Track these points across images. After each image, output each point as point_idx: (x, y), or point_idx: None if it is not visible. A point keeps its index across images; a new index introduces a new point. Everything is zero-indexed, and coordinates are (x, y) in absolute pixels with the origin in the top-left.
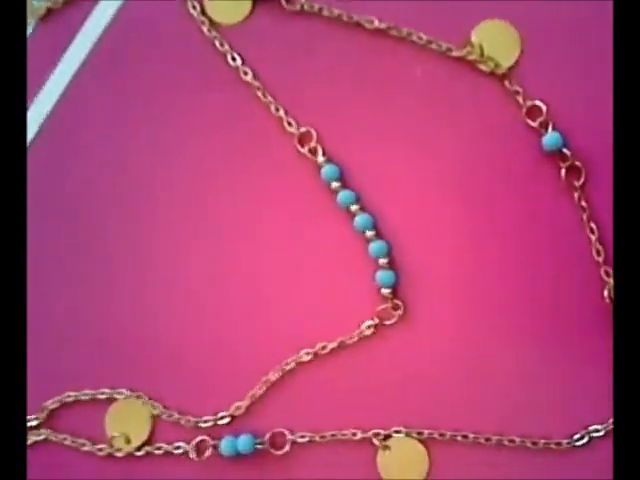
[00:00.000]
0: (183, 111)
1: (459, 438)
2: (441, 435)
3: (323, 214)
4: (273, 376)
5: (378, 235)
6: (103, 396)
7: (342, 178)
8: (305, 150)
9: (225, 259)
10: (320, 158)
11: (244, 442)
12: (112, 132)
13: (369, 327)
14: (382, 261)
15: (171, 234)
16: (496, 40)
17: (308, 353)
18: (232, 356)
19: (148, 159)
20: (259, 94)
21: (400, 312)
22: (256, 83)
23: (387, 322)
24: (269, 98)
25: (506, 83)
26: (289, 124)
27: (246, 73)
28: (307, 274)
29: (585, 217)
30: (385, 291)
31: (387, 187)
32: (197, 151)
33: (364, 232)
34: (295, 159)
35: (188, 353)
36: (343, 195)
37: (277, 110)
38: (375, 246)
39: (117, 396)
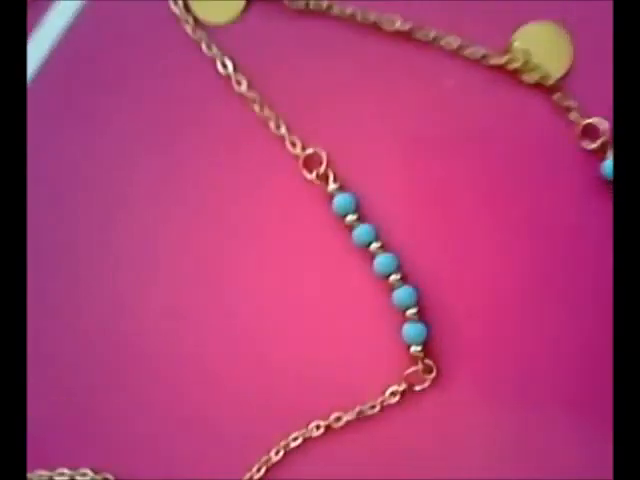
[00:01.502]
0: (162, 132)
1: None
2: None
3: (336, 254)
4: (275, 456)
5: (404, 280)
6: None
7: (358, 210)
8: (313, 176)
9: (222, 312)
10: (331, 186)
11: None
12: (71, 153)
13: (394, 394)
14: (410, 312)
15: (156, 291)
16: (543, 46)
17: (319, 427)
18: (223, 430)
19: (117, 195)
20: (255, 108)
21: (433, 375)
22: (251, 94)
23: (417, 387)
24: (267, 112)
25: (555, 97)
26: (292, 144)
27: (239, 82)
28: (317, 328)
29: None
30: (415, 349)
31: (413, 221)
32: (180, 180)
33: (387, 276)
34: (300, 187)
35: (169, 429)
36: (360, 231)
37: (278, 127)
38: (401, 293)
39: (79, 478)
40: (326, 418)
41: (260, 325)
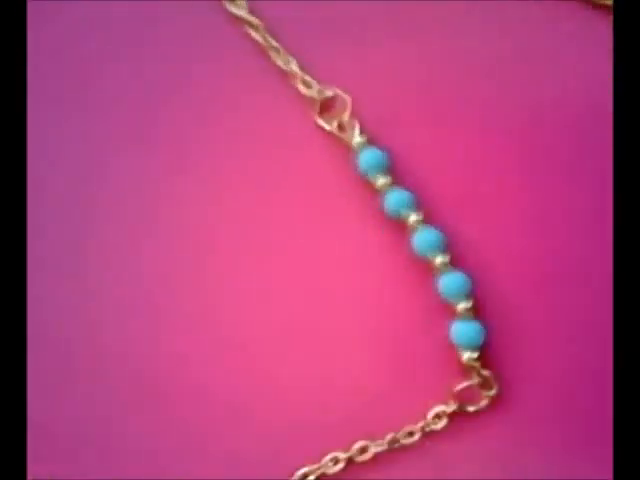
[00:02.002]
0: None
1: None
2: None
3: (361, 228)
4: None
5: (454, 263)
6: None
7: (391, 171)
8: (333, 127)
9: (218, 310)
10: (357, 138)
11: None
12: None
13: (439, 416)
14: (462, 306)
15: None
16: None
17: (337, 460)
18: (219, 461)
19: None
20: (256, 36)
21: (493, 392)
22: (251, 18)
23: (470, 408)
24: (272, 42)
25: None
26: (305, 85)
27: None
28: (334, 328)
29: None
30: (469, 357)
31: (461, 187)
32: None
33: (432, 258)
34: (315, 141)
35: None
36: (395, 198)
37: (286, 63)
38: (451, 281)
39: None
40: (347, 449)
41: (261, 323)
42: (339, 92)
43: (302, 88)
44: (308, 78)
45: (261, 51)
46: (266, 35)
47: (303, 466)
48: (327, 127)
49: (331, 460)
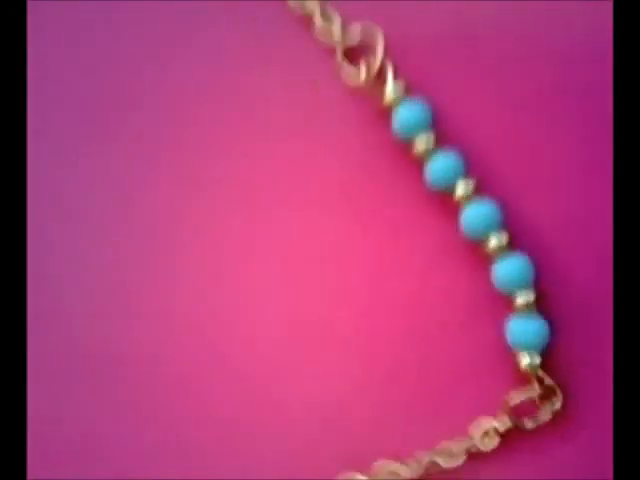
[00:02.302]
0: None
1: None
2: None
3: (398, 201)
4: None
5: (512, 245)
6: None
7: (435, 130)
8: (361, 74)
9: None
10: (391, 90)
11: None
12: None
13: (489, 434)
14: (523, 299)
15: None
16: None
17: None
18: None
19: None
20: None
21: (557, 405)
22: None
23: (529, 425)
24: None
25: None
26: (326, 19)
27: None
28: (357, 325)
29: None
30: (529, 362)
31: (518, 155)
32: None
33: (485, 238)
34: (338, 95)
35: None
36: (441, 164)
37: None
38: (509, 267)
39: None
40: (370, 473)
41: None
42: (369, 28)
43: (319, 22)
44: (330, 12)
45: None
46: None
47: None
48: (354, 74)
49: None
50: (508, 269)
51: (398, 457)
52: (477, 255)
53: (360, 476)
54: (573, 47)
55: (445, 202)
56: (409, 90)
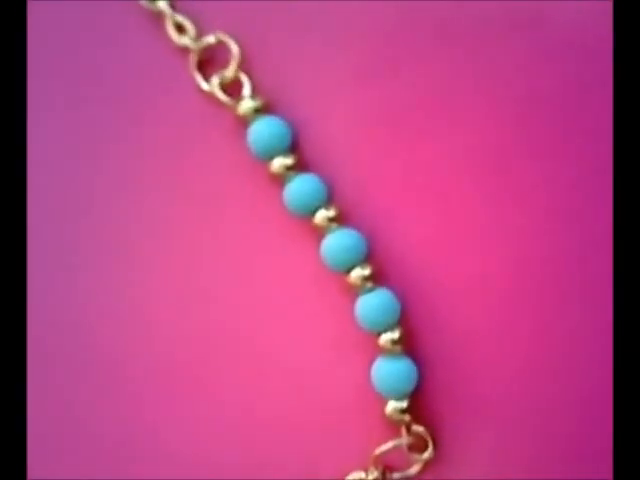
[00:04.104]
0: None
1: None
2: None
3: (254, 227)
4: None
5: (376, 279)
6: None
7: (294, 149)
8: (213, 84)
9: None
10: (247, 102)
11: None
12: None
13: None
14: (386, 337)
15: None
16: None
17: None
18: None
19: None
20: None
21: (427, 454)
22: None
23: (396, 475)
24: None
25: None
26: (178, 28)
27: None
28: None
29: None
30: (395, 407)
31: (384, 177)
32: None
33: (347, 271)
34: (193, 105)
35: None
36: (301, 185)
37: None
38: (372, 302)
39: None
40: None
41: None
42: (224, 38)
43: (174, 34)
44: (181, 20)
45: None
46: None
47: None
48: (205, 86)
49: None
50: (372, 304)
51: None
52: (340, 288)
53: None
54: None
55: (307, 228)
56: (268, 106)
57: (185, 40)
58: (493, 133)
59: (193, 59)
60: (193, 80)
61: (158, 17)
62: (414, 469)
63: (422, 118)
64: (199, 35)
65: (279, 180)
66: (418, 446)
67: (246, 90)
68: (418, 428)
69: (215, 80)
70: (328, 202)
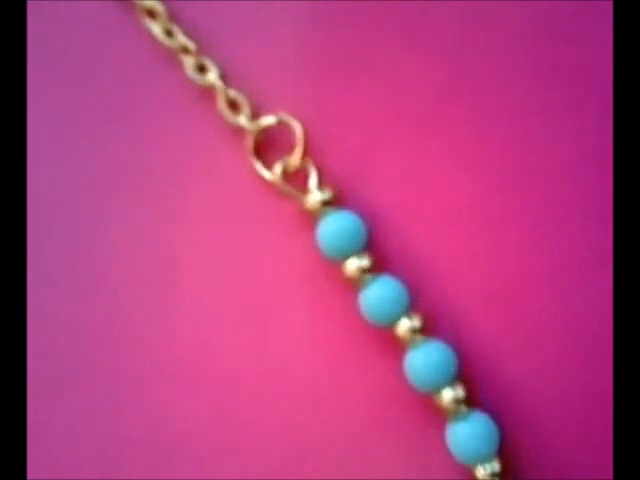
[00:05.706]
0: None
1: None
2: None
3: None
4: None
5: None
6: None
7: (369, 247)
8: (275, 174)
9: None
10: (315, 195)
11: None
12: None
13: None
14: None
15: None
16: None
17: None
18: None
19: None
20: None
21: None
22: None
23: None
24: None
25: None
26: (232, 105)
27: None
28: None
29: None
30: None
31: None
32: None
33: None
34: (252, 196)
35: None
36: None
37: (201, 69)
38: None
39: None
40: None
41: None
42: (285, 118)
43: (226, 111)
44: (237, 95)
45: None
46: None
47: None
48: (267, 175)
49: None
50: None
51: None
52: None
53: None
54: None
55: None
56: (337, 199)
57: (241, 119)
58: None
59: (249, 141)
60: (245, 164)
61: (208, 92)
62: None
63: None
64: (255, 114)
65: (354, 284)
66: None
67: (313, 181)
68: None
69: (278, 168)
70: (412, 309)
